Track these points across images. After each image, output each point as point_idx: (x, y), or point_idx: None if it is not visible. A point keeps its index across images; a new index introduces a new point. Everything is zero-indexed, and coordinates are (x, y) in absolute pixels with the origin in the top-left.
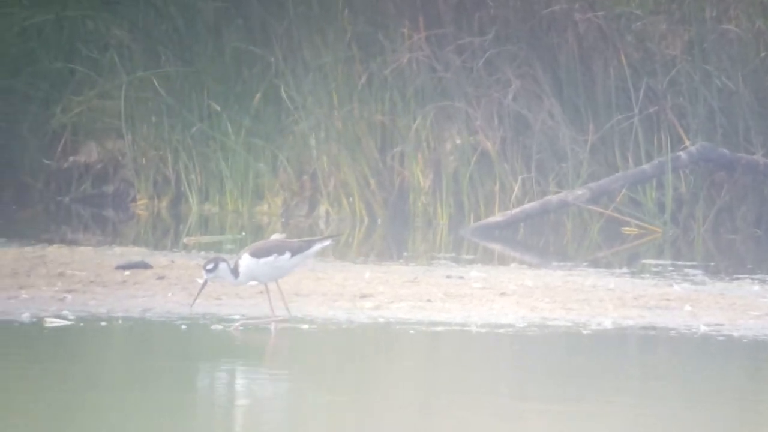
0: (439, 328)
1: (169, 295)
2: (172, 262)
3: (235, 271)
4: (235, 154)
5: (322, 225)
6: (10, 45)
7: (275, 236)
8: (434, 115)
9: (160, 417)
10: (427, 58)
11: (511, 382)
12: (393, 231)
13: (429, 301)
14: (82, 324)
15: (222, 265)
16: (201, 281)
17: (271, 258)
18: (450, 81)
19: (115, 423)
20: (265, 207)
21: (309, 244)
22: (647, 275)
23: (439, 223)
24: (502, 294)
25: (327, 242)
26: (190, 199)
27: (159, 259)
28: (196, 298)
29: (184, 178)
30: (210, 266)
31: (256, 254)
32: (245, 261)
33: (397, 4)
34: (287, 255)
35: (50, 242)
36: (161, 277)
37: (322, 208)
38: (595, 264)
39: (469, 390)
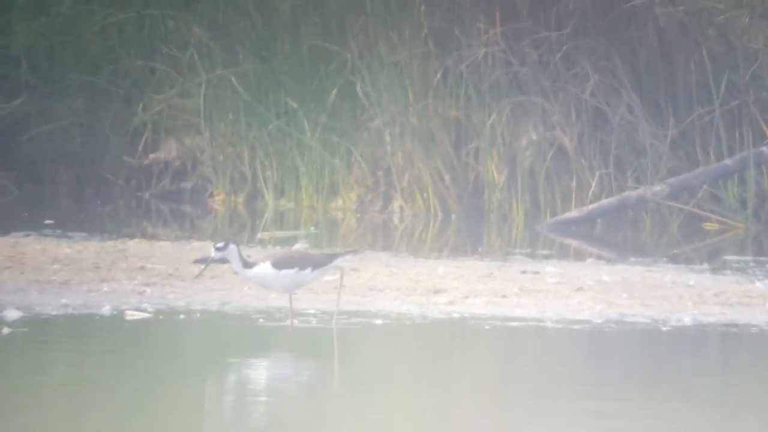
0: (514, 324)
1: (245, 289)
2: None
3: (247, 263)
4: (310, 151)
5: (396, 220)
6: (91, 43)
7: (298, 246)
8: (510, 111)
9: (236, 408)
10: (503, 53)
11: (587, 379)
12: (467, 226)
13: (504, 296)
14: (161, 317)
15: (232, 247)
16: (210, 257)
17: (292, 271)
18: (526, 76)
19: (192, 414)
20: (340, 203)
21: (330, 259)
22: (728, 272)
23: (514, 219)
24: (579, 289)
25: (348, 257)
26: (266, 195)
27: None
28: (199, 274)
29: (261, 175)
30: (220, 245)
31: (278, 265)
32: (265, 268)
33: None
34: (308, 270)
35: (131, 237)
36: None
37: (396, 204)
38: (674, 260)
39: (545, 387)
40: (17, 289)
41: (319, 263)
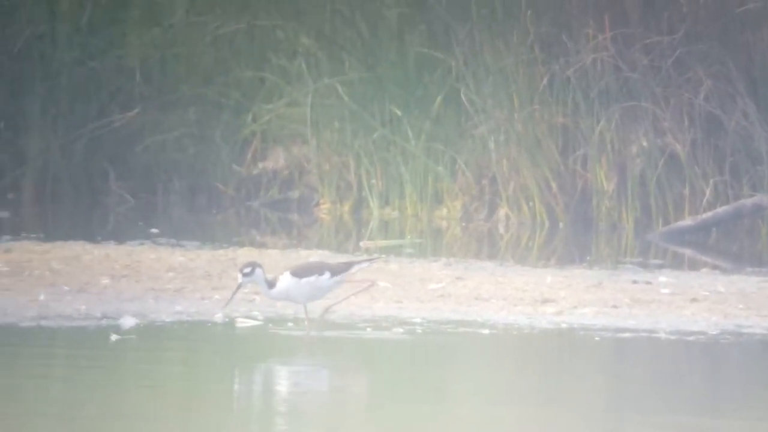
0: (626, 335)
1: (351, 298)
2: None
3: (271, 283)
4: (415, 159)
5: (501, 229)
6: (203, 54)
7: (314, 258)
8: (619, 117)
9: (350, 415)
10: (612, 58)
11: (703, 393)
12: (575, 235)
13: (614, 306)
14: (270, 324)
15: (258, 271)
16: (237, 283)
17: (312, 278)
18: (636, 81)
19: (302, 420)
20: (444, 211)
21: (348, 266)
22: None
23: (624, 227)
24: (693, 300)
25: (365, 264)
26: (371, 204)
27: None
28: (229, 300)
29: (366, 183)
30: (247, 270)
31: (298, 274)
32: (285, 279)
33: (582, 4)
34: (327, 275)
35: (241, 245)
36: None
37: (502, 212)
38: None
39: (658, 403)
40: (134, 297)
41: (337, 270)
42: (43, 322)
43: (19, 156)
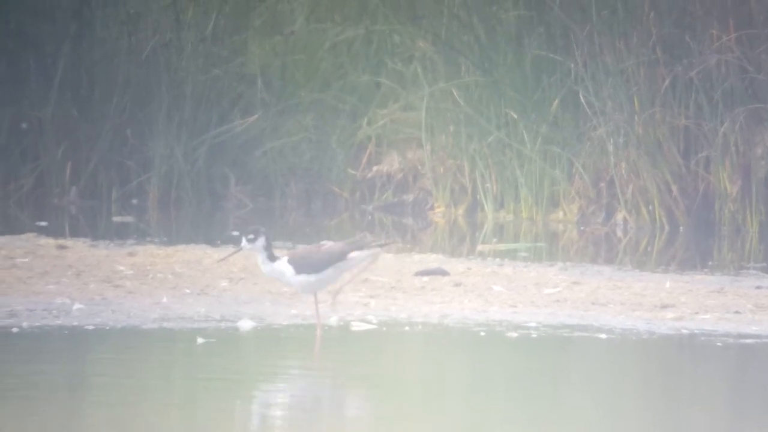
0: (749, 341)
1: (466, 302)
2: (469, 269)
3: (271, 257)
4: (530, 162)
5: (619, 233)
6: (322, 60)
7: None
8: (744, 119)
9: (465, 418)
10: (737, 60)
11: None
12: (696, 239)
13: (737, 312)
14: (384, 328)
15: (261, 239)
16: (240, 247)
17: (310, 276)
18: (762, 82)
19: (419, 425)
20: (560, 214)
21: (349, 249)
22: None
23: (747, 231)
24: None
25: (371, 250)
26: (486, 207)
27: (456, 266)
28: (224, 259)
29: (480, 186)
30: (251, 236)
31: (295, 264)
32: (282, 265)
33: (706, 5)
34: (329, 270)
35: None
36: (458, 284)
37: (620, 216)
38: None
39: None
40: (251, 300)
41: (336, 258)
42: (165, 324)
43: (144, 162)
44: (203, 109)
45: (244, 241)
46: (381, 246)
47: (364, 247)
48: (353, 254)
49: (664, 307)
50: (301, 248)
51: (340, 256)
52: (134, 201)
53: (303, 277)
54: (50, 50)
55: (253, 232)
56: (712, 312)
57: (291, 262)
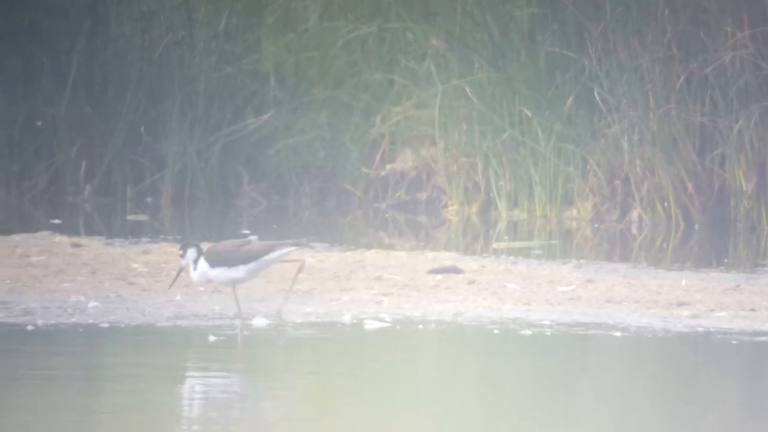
0: (765, 339)
1: (479, 299)
2: (482, 267)
3: (196, 263)
4: (544, 160)
5: (634, 230)
6: (335, 58)
7: (252, 238)
8: (759, 115)
9: (479, 416)
10: (751, 56)
11: None
12: (711, 236)
13: (753, 310)
14: (398, 326)
15: (190, 252)
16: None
17: (223, 269)
18: None
19: (433, 420)
20: (574, 212)
21: (267, 250)
22: None
23: (763, 228)
24: None
25: (287, 250)
26: (499, 205)
27: (469, 263)
28: (172, 283)
29: (494, 184)
30: (181, 252)
31: (211, 261)
32: (202, 265)
33: (720, 1)
34: (240, 267)
35: (368, 247)
36: (471, 282)
37: (635, 213)
38: None
39: None
40: (265, 298)
41: (253, 256)
42: (179, 322)
43: (158, 160)
44: (216, 106)
45: (180, 260)
46: (299, 246)
47: (277, 248)
48: (267, 256)
49: (680, 304)
50: (222, 243)
51: (256, 256)
52: (148, 199)
53: (218, 271)
54: (64, 48)
55: (182, 247)
56: (727, 309)
57: (206, 256)
